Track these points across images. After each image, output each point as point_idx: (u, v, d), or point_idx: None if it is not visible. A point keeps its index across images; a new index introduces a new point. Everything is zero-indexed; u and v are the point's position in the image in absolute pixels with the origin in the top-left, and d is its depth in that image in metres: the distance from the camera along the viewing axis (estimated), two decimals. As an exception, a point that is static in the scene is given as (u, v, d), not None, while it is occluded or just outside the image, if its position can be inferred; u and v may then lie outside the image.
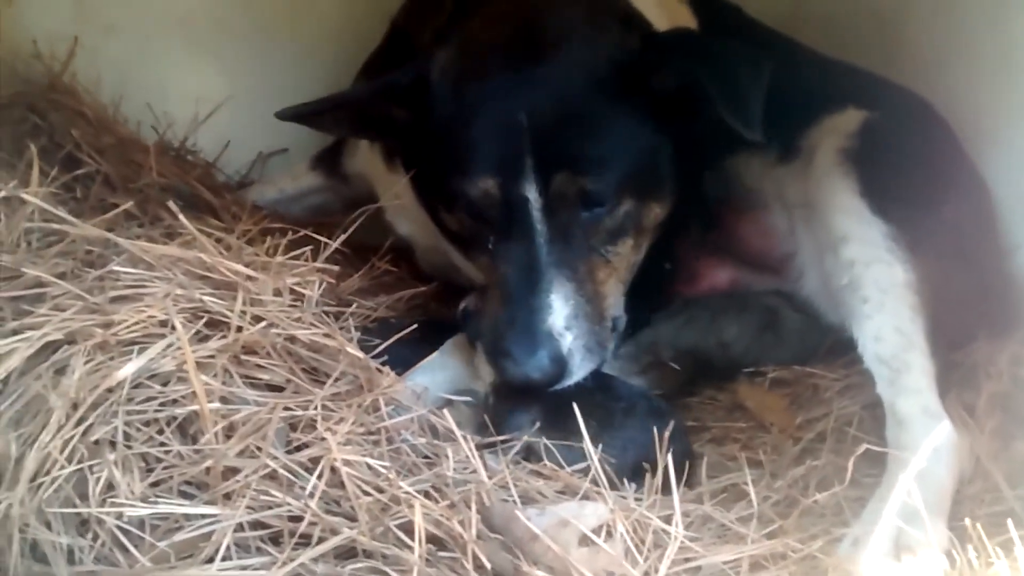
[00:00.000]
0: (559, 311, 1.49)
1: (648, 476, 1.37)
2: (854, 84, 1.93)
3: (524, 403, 1.54)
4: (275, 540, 1.20)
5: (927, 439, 1.45)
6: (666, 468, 1.30)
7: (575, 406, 1.38)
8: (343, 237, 1.63)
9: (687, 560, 1.25)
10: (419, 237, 1.99)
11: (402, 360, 1.66)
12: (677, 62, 1.54)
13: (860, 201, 1.67)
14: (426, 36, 1.80)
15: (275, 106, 2.41)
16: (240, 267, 1.37)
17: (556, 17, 1.61)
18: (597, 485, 1.32)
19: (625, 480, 1.41)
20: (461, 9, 1.74)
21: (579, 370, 1.51)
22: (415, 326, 1.66)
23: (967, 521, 1.25)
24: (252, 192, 2.28)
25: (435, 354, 1.69)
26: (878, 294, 1.61)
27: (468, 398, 1.57)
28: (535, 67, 1.53)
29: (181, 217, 1.38)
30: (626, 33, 1.60)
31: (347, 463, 1.22)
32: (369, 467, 1.24)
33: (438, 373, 1.68)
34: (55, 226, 1.38)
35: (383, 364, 1.54)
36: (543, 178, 1.49)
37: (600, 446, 1.39)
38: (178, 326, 1.21)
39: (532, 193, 1.50)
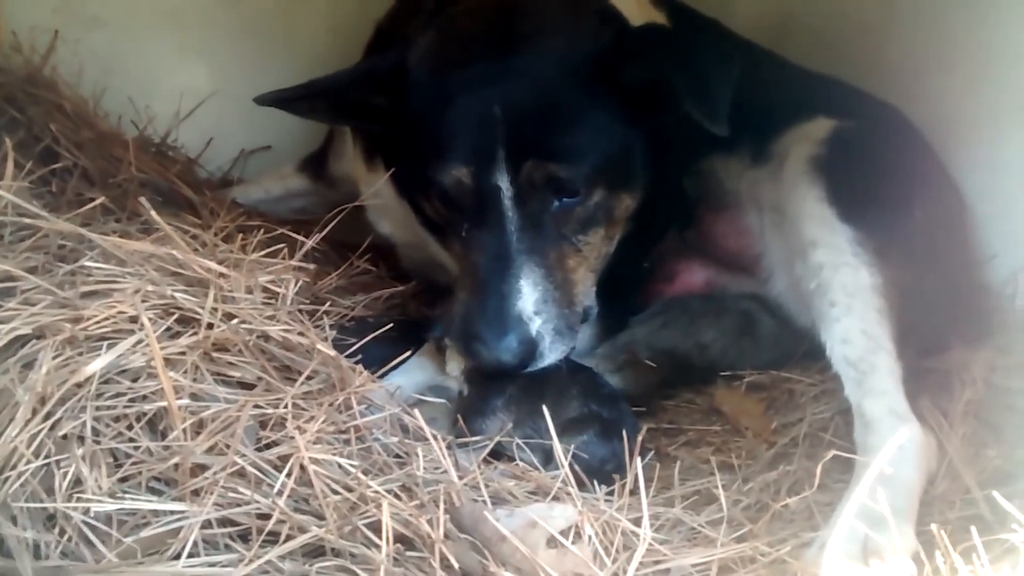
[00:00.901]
0: (528, 296, 1.51)
1: (617, 479, 1.37)
2: (826, 93, 1.95)
3: (497, 388, 1.56)
4: (243, 537, 1.19)
5: (892, 440, 1.46)
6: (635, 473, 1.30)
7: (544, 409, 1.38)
8: (319, 235, 1.63)
9: (656, 563, 1.25)
10: (399, 235, 2.00)
11: (378, 359, 1.66)
12: (647, 56, 1.55)
13: (828, 208, 1.70)
14: (411, 34, 1.80)
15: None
16: (212, 264, 1.36)
17: (533, 10, 1.63)
18: (567, 485, 1.32)
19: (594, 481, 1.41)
20: (440, 8, 1.74)
21: (549, 353, 1.53)
22: (391, 325, 1.67)
23: (933, 527, 1.25)
24: (237, 191, 2.27)
25: (413, 355, 1.70)
26: (845, 298, 1.63)
27: (441, 399, 1.56)
28: (510, 57, 1.55)
29: (152, 213, 1.37)
30: (601, 27, 1.62)
31: (316, 462, 1.22)
32: (339, 466, 1.23)
33: (416, 373, 1.69)
34: (28, 220, 1.37)
35: (358, 363, 1.54)
36: (514, 166, 1.51)
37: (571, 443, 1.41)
38: (146, 323, 1.21)
39: (503, 181, 1.52)
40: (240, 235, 1.67)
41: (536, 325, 1.51)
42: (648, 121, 1.60)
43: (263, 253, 1.54)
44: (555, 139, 1.53)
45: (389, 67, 1.61)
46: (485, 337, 1.50)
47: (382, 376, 1.59)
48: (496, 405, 1.55)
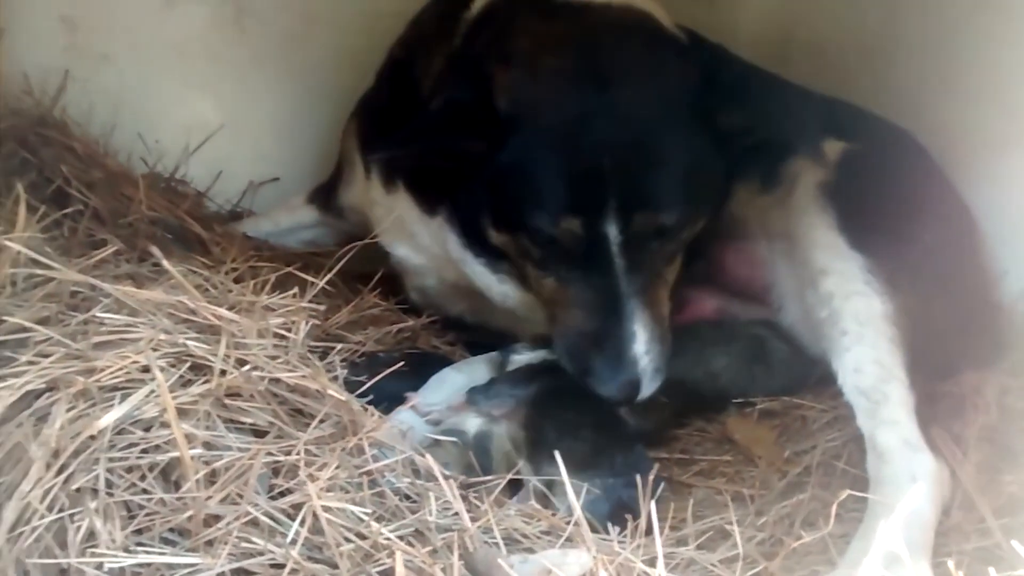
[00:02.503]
0: (640, 338, 1.60)
1: (631, 520, 1.37)
2: (833, 116, 1.94)
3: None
4: (257, 587, 1.20)
5: (907, 475, 1.46)
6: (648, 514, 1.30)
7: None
8: (328, 276, 1.63)
9: (672, 605, 1.25)
10: (416, 259, 1.99)
11: (390, 395, 1.67)
12: (743, 101, 1.61)
13: (838, 236, 1.71)
14: (435, 67, 1.82)
15: (267, 136, 2.48)
16: (223, 311, 1.37)
17: (616, 44, 1.64)
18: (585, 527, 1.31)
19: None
20: (478, 32, 1.75)
21: (648, 387, 1.63)
22: (402, 362, 1.67)
23: (950, 564, 1.25)
24: (247, 224, 2.29)
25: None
26: (856, 327, 1.63)
27: (454, 439, 1.56)
28: (609, 101, 1.57)
29: (165, 263, 1.38)
30: (684, 63, 1.65)
31: (328, 510, 1.22)
32: (351, 513, 1.23)
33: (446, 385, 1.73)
34: (39, 271, 1.38)
35: (370, 400, 1.55)
36: (624, 216, 1.55)
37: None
38: (158, 375, 1.21)
39: (613, 231, 1.55)
40: (251, 275, 1.68)
41: (643, 364, 1.61)
42: (732, 154, 1.65)
43: (274, 295, 1.54)
44: (664, 189, 1.57)
45: (476, 108, 1.60)
46: (603, 375, 1.61)
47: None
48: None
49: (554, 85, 1.60)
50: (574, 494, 1.27)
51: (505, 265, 1.76)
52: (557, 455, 1.30)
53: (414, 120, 1.71)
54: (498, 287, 1.81)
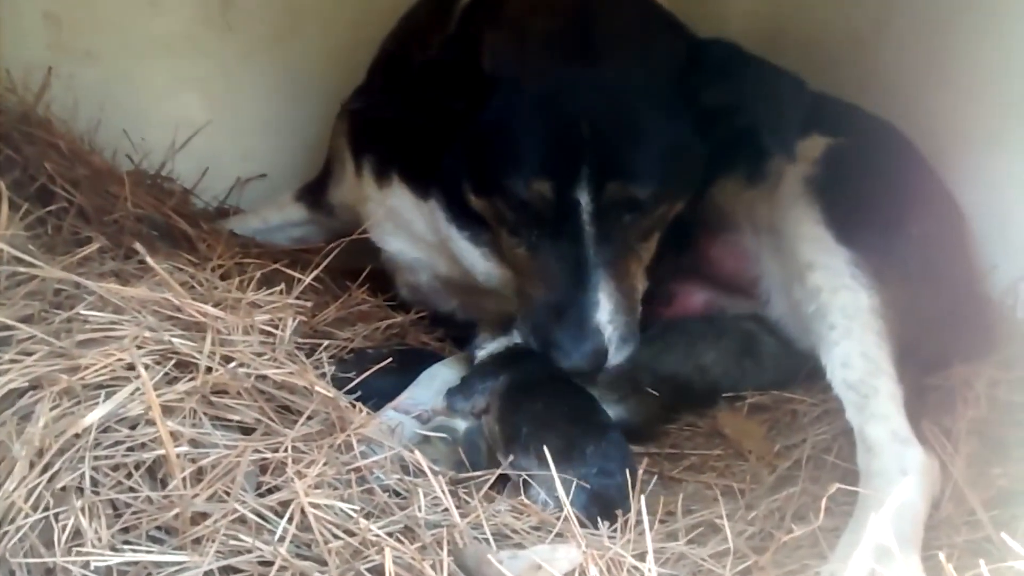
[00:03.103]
0: (604, 307, 1.59)
1: (620, 513, 1.36)
2: (820, 110, 1.93)
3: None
4: (246, 585, 1.19)
5: (896, 469, 1.46)
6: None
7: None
8: (315, 272, 1.62)
9: (661, 600, 1.24)
10: (408, 252, 1.98)
11: (379, 391, 1.66)
12: (728, 79, 1.59)
13: (824, 229, 1.70)
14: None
15: (254, 133, 2.46)
16: (208, 308, 1.36)
17: (607, 13, 1.63)
18: (574, 522, 1.31)
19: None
20: (471, 16, 1.74)
21: (615, 357, 1.62)
22: (390, 358, 1.66)
23: (941, 556, 1.24)
24: (234, 222, 2.27)
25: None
26: (844, 320, 1.62)
27: (444, 435, 1.56)
28: (593, 68, 1.57)
29: (149, 260, 1.37)
30: (673, 39, 1.65)
31: (316, 506, 1.21)
32: (339, 510, 1.23)
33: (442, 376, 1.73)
34: (22, 269, 1.36)
35: (359, 396, 1.55)
36: (597, 185, 1.54)
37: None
38: (142, 372, 1.20)
39: (584, 198, 1.55)
40: (238, 271, 1.67)
41: (608, 333, 1.59)
42: (715, 136, 1.64)
43: (260, 291, 1.53)
44: (639, 161, 1.57)
45: (461, 66, 1.60)
46: (565, 346, 1.59)
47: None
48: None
49: (539, 48, 1.60)
50: (552, 487, 1.26)
51: (486, 237, 1.76)
52: (544, 449, 1.29)
53: (396, 75, 1.71)
54: (482, 265, 1.80)
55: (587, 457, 1.43)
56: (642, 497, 1.31)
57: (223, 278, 1.66)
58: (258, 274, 1.58)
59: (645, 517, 1.23)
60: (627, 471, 1.42)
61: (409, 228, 1.91)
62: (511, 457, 1.47)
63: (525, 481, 1.43)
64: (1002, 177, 1.90)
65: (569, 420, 1.53)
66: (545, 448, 1.31)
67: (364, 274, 1.93)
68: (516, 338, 1.69)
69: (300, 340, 1.60)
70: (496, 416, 1.57)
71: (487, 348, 1.77)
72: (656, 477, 1.67)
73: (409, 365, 1.78)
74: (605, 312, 1.59)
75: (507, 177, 1.58)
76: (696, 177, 1.70)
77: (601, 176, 1.54)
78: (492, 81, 1.58)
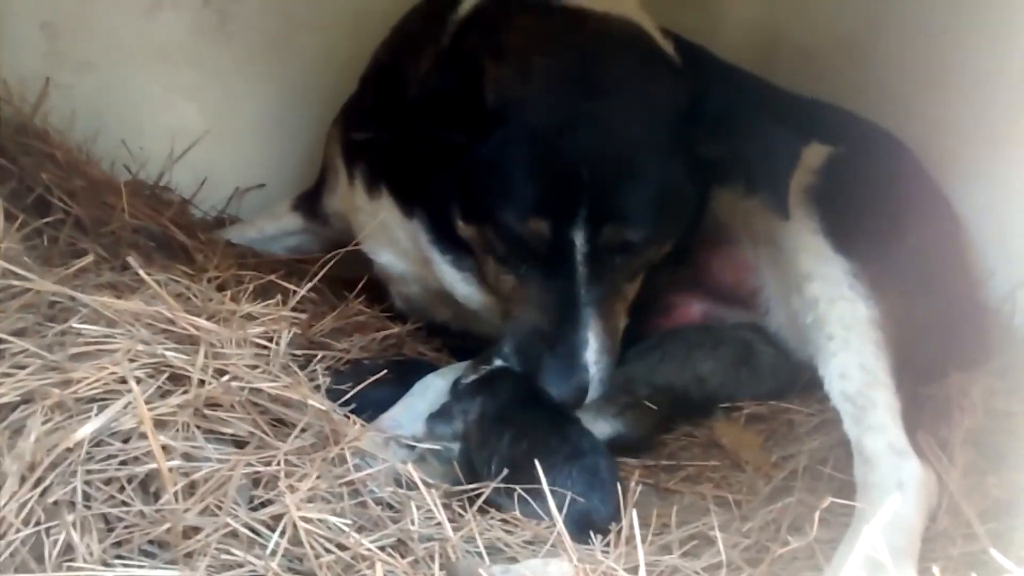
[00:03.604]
0: (591, 347, 1.60)
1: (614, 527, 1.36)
2: (818, 119, 1.94)
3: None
4: (237, 599, 1.18)
5: (893, 481, 1.45)
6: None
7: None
8: (311, 283, 1.62)
9: (654, 614, 1.24)
10: (398, 265, 1.98)
11: (375, 402, 1.66)
12: (725, 135, 1.61)
13: (822, 240, 1.71)
14: (421, 68, 1.80)
15: (252, 142, 2.47)
16: (201, 321, 1.36)
17: (606, 51, 1.64)
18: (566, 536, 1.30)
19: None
20: (465, 33, 1.74)
21: (590, 396, 1.63)
22: (385, 370, 1.66)
23: (935, 570, 1.24)
24: (231, 231, 2.28)
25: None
26: (842, 331, 1.62)
27: (438, 446, 1.55)
28: (597, 111, 1.57)
29: (142, 273, 1.37)
30: (674, 84, 1.65)
31: (308, 520, 1.21)
32: (331, 524, 1.23)
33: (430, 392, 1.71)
34: (15, 283, 1.37)
35: (354, 408, 1.54)
36: (593, 227, 1.55)
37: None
38: (134, 387, 1.20)
39: (580, 239, 1.55)
40: (235, 282, 1.67)
41: (592, 372, 1.61)
42: (706, 184, 1.67)
43: (256, 303, 1.53)
44: (636, 205, 1.58)
45: (463, 98, 1.59)
46: (553, 377, 1.60)
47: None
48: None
49: (545, 86, 1.60)
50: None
51: (469, 262, 1.76)
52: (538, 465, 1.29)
53: (398, 107, 1.70)
54: (463, 287, 1.81)
55: (569, 479, 1.42)
56: (633, 511, 1.30)
57: (219, 289, 1.66)
58: (251, 287, 1.57)
59: (637, 531, 1.23)
60: (608, 493, 1.41)
61: (398, 245, 1.92)
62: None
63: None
64: (1000, 184, 1.90)
65: (541, 444, 1.50)
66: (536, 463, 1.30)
67: (361, 284, 1.92)
68: (497, 362, 1.68)
69: (296, 351, 1.60)
70: (475, 444, 1.56)
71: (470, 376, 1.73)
72: (649, 488, 1.67)
73: (406, 376, 1.77)
74: (592, 352, 1.60)
75: (503, 210, 1.58)
76: (686, 221, 1.70)
77: (598, 219, 1.54)
78: (495, 114, 1.57)
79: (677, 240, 1.71)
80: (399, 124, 1.66)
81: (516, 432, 1.51)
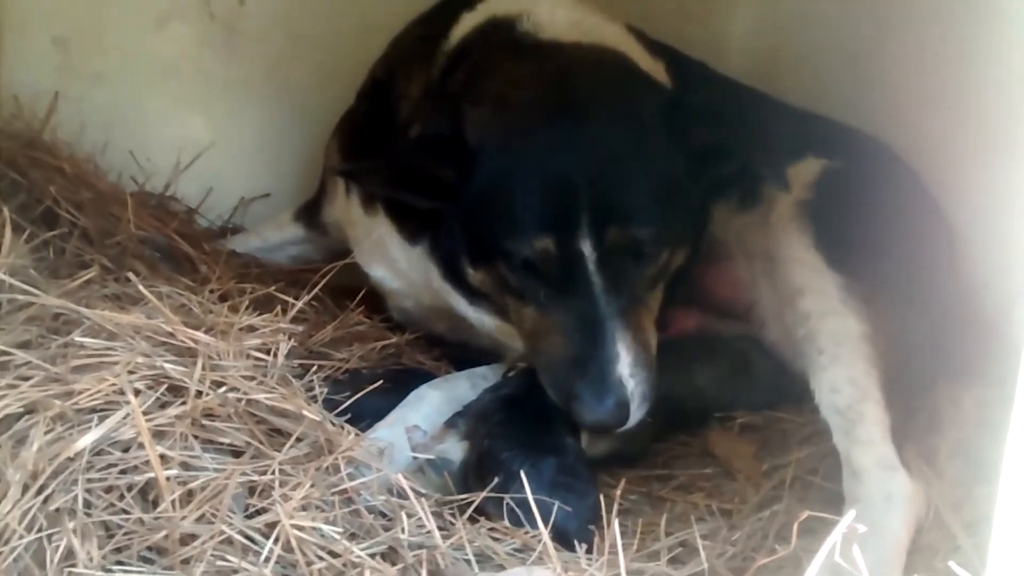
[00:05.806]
0: (624, 359, 1.55)
1: (597, 536, 1.39)
2: (814, 132, 1.95)
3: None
4: (232, 605, 1.22)
5: (881, 495, 1.47)
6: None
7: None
8: (310, 295, 1.66)
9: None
10: (392, 281, 2.01)
11: (373, 411, 1.68)
12: (714, 123, 1.63)
13: (815, 255, 1.71)
14: (413, 91, 1.84)
15: (257, 153, 2.51)
16: (199, 334, 1.40)
17: (584, 78, 1.67)
18: (550, 545, 1.33)
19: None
20: (455, 66, 1.78)
21: (635, 415, 1.57)
22: (382, 379, 1.69)
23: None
24: (235, 241, 2.32)
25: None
26: (833, 346, 1.63)
27: (435, 458, 1.58)
28: (578, 125, 1.59)
29: (141, 287, 1.41)
30: (651, 90, 1.68)
31: (300, 528, 1.24)
32: (323, 532, 1.26)
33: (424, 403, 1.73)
34: (20, 297, 1.41)
35: (351, 417, 1.57)
36: (598, 231, 1.54)
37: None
38: (132, 400, 1.24)
39: (587, 247, 1.54)
40: (238, 292, 1.71)
41: (631, 388, 1.55)
42: (708, 179, 1.66)
43: (255, 315, 1.57)
44: (635, 201, 1.57)
45: (447, 140, 1.62)
46: (587, 400, 1.54)
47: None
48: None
49: (521, 114, 1.62)
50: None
51: (484, 303, 1.78)
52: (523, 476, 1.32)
53: (389, 146, 1.73)
54: (475, 314, 1.82)
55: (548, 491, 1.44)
56: (615, 520, 1.33)
57: (222, 299, 1.70)
58: (247, 300, 1.61)
59: (619, 540, 1.25)
60: (588, 503, 1.44)
61: (393, 264, 1.94)
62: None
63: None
64: (995, 196, 1.90)
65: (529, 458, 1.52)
66: (522, 473, 1.33)
67: (360, 295, 1.95)
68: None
69: (296, 361, 1.64)
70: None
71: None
72: (641, 496, 1.69)
73: (404, 385, 1.80)
74: (625, 365, 1.55)
75: (507, 239, 1.58)
76: (695, 220, 1.71)
77: (601, 221, 1.53)
78: (477, 149, 1.59)
79: (691, 247, 1.71)
80: (388, 166, 1.69)
81: (496, 439, 1.53)
